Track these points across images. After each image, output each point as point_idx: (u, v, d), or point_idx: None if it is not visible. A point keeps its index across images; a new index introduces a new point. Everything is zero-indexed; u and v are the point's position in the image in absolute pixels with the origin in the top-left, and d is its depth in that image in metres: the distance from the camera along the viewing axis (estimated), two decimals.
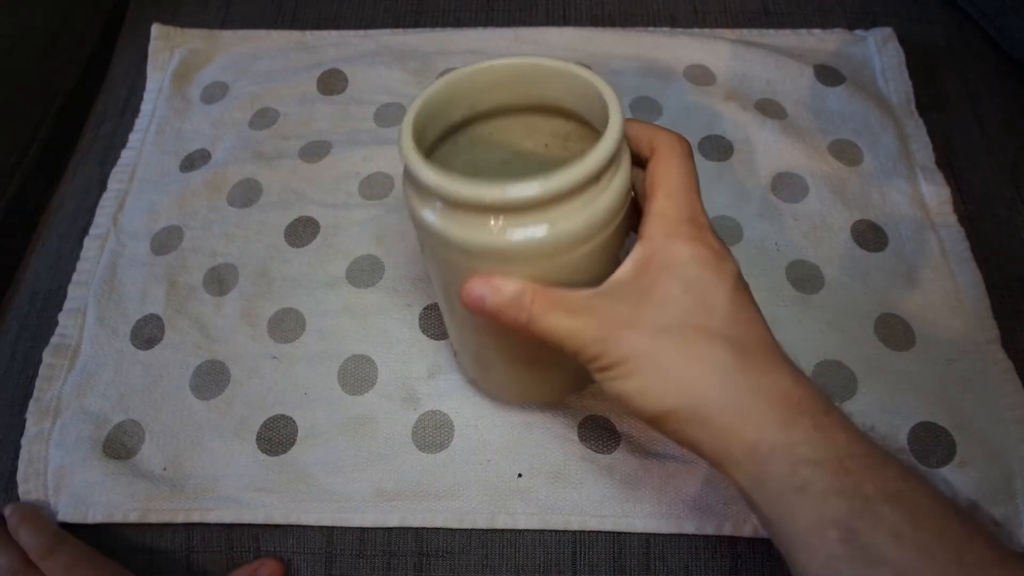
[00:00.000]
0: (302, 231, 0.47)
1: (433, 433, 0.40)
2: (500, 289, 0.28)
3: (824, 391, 0.27)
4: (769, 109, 0.51)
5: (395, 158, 0.49)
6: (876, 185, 0.47)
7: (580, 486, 0.38)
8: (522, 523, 0.37)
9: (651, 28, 0.57)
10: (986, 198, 0.48)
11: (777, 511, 0.26)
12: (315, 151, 0.50)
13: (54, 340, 0.44)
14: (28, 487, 0.39)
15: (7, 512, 0.38)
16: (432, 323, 0.43)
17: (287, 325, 0.43)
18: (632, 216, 0.31)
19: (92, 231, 0.48)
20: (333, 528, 0.38)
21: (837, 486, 0.24)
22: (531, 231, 0.27)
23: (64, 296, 0.46)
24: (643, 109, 0.52)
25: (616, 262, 0.29)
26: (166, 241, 0.47)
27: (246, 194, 0.49)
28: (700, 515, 0.37)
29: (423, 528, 0.38)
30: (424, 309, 0.44)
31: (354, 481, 0.38)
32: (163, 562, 0.38)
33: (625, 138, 0.29)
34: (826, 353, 0.41)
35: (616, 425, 0.39)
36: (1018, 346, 0.41)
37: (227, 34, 0.58)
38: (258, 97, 0.54)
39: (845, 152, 0.49)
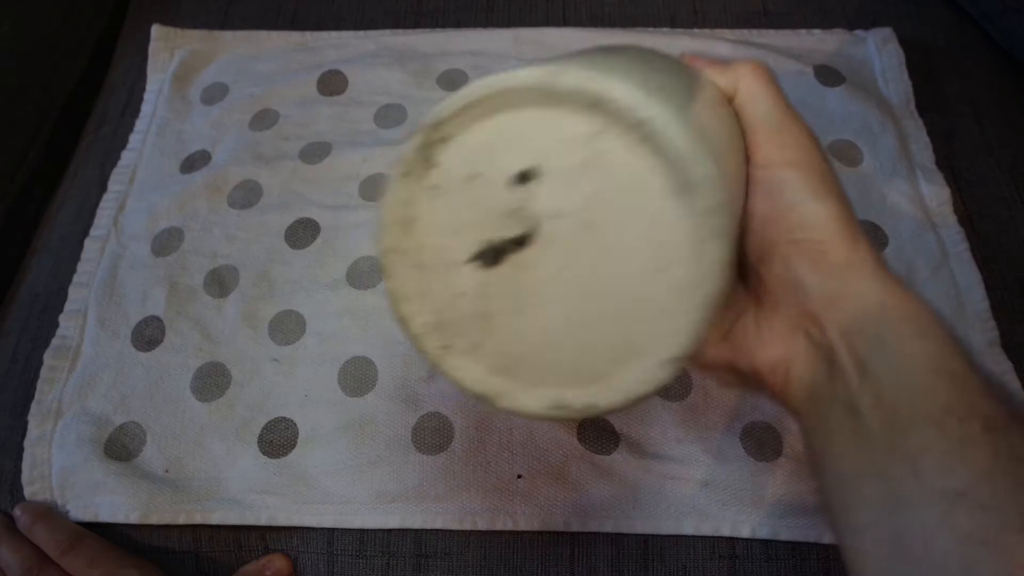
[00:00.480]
0: (302, 233, 0.47)
1: (433, 435, 0.40)
2: None
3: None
4: None
5: (395, 159, 0.49)
6: (876, 186, 0.47)
7: (579, 487, 0.38)
8: (522, 524, 0.38)
9: (651, 28, 0.56)
10: (986, 198, 0.48)
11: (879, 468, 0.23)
12: (315, 152, 0.51)
13: (55, 342, 0.44)
14: (34, 489, 0.40)
15: (17, 512, 0.39)
16: None
17: (288, 327, 0.44)
18: None
19: (93, 233, 0.49)
20: (334, 529, 0.38)
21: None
22: None
23: (65, 298, 0.46)
24: None
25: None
26: (167, 243, 0.47)
27: (246, 196, 0.49)
28: (698, 516, 0.37)
29: (422, 529, 0.38)
30: None
31: (355, 483, 0.39)
32: (172, 560, 0.39)
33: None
34: None
35: (616, 426, 0.39)
36: (1018, 346, 0.41)
37: (227, 35, 0.58)
38: (258, 98, 0.54)
39: (845, 153, 0.49)
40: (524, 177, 0.24)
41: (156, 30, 0.58)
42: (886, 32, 0.54)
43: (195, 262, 0.46)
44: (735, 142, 0.27)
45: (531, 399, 0.25)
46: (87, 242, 0.48)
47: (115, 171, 0.51)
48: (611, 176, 0.23)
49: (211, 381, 0.42)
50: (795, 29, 0.56)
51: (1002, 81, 0.54)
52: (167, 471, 0.40)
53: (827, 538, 0.37)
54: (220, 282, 0.45)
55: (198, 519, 0.38)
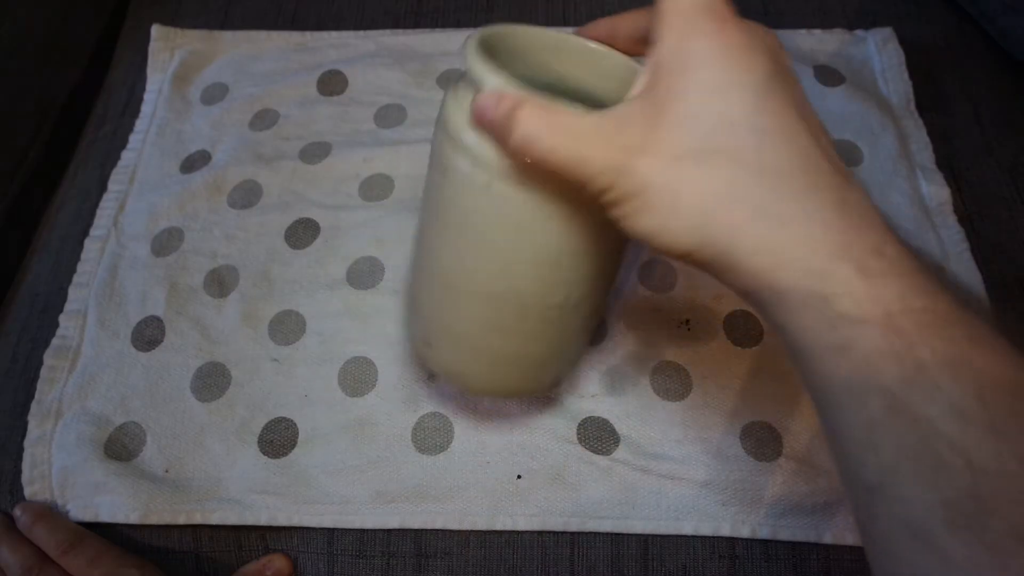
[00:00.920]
0: (302, 233, 0.47)
1: (433, 435, 0.40)
2: (501, 100, 0.25)
3: (884, 222, 0.22)
4: None
5: (395, 159, 0.50)
6: (876, 186, 0.47)
7: (579, 487, 0.38)
8: (521, 524, 0.38)
9: None
10: (986, 198, 0.48)
11: (813, 367, 0.22)
12: (315, 152, 0.51)
13: (55, 342, 0.44)
14: (34, 489, 0.40)
15: (17, 512, 0.39)
16: None
17: (287, 327, 0.44)
18: None
19: (93, 233, 0.49)
20: (334, 529, 0.38)
21: (885, 347, 0.20)
22: None
23: (65, 298, 0.46)
24: None
25: None
26: (167, 243, 0.47)
27: (246, 196, 0.49)
28: (698, 516, 0.37)
29: (422, 529, 0.38)
30: None
31: (355, 483, 0.39)
32: (172, 560, 0.39)
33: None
34: None
35: (615, 426, 0.39)
36: (1018, 346, 0.41)
37: (227, 35, 0.58)
38: (258, 98, 0.54)
39: (845, 153, 0.49)
40: None
41: (156, 30, 0.58)
42: (886, 32, 0.54)
43: (195, 262, 0.46)
44: None
45: None
46: (87, 242, 0.48)
47: (115, 171, 0.51)
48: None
49: (211, 381, 0.42)
50: (795, 29, 0.56)
51: (1002, 81, 0.54)
52: (167, 471, 0.40)
53: (827, 538, 0.37)
54: (220, 282, 0.45)
55: (198, 519, 0.38)
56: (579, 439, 0.39)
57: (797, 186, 0.22)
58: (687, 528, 0.37)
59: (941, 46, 0.55)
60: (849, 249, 0.21)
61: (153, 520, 0.38)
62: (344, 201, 0.48)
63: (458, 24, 0.58)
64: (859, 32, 0.55)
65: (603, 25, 0.30)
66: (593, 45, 0.30)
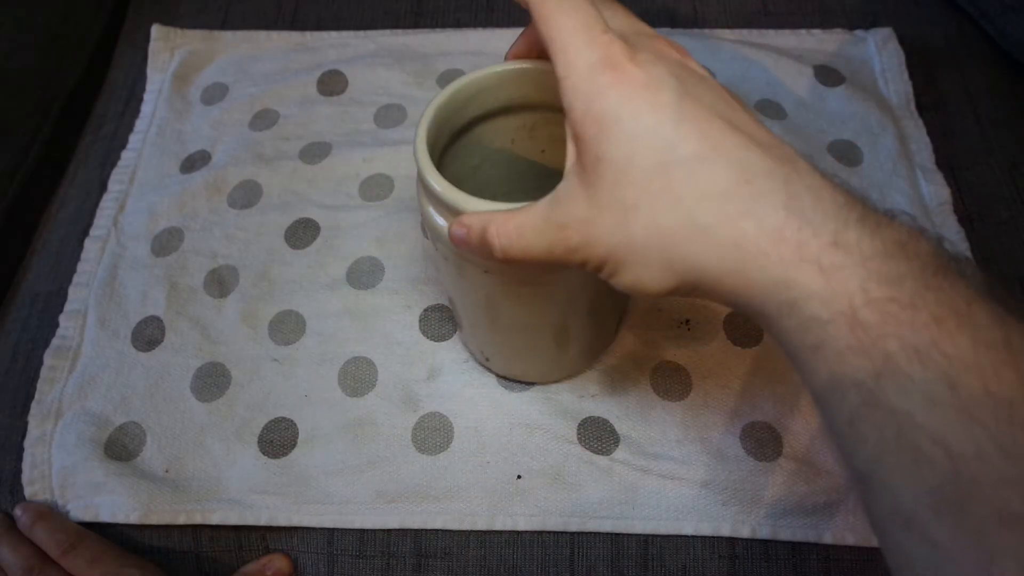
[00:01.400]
0: (302, 233, 0.47)
1: (433, 435, 0.40)
2: (471, 228, 0.27)
3: (839, 198, 0.23)
4: (769, 110, 0.51)
5: (395, 159, 0.50)
6: (876, 186, 0.47)
7: (579, 487, 0.38)
8: (521, 524, 0.38)
9: None
10: (986, 198, 0.48)
11: (800, 367, 0.23)
12: (315, 152, 0.51)
13: (55, 342, 0.44)
14: (35, 489, 0.40)
15: (18, 512, 0.39)
16: (432, 325, 0.43)
17: (287, 327, 0.44)
18: None
19: (92, 232, 0.49)
20: (334, 529, 0.38)
21: (854, 343, 0.21)
22: None
23: (65, 298, 0.46)
24: None
25: None
26: (166, 243, 0.47)
27: (246, 196, 0.49)
28: (698, 516, 0.37)
29: (422, 529, 0.38)
30: (424, 311, 0.44)
31: (354, 483, 0.39)
32: (172, 560, 0.39)
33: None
34: None
35: (615, 426, 0.39)
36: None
37: (227, 35, 0.58)
38: (258, 98, 0.54)
39: (845, 153, 0.49)
40: None
41: (156, 30, 0.58)
42: (886, 32, 0.54)
43: (195, 262, 0.46)
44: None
45: None
46: (87, 242, 0.48)
47: (115, 171, 0.51)
48: None
49: (211, 381, 0.42)
50: (795, 29, 0.56)
51: (1002, 81, 0.54)
52: (167, 471, 0.40)
53: (827, 538, 0.37)
54: (220, 282, 0.45)
55: (198, 519, 0.38)
56: (579, 439, 0.39)
57: (740, 200, 0.22)
58: (687, 528, 0.37)
59: (941, 46, 0.55)
60: (806, 249, 0.22)
61: (153, 520, 0.38)
62: (344, 201, 0.48)
63: (458, 24, 0.58)
64: (859, 32, 0.55)
65: (521, 44, 0.31)
66: (526, 65, 0.32)
